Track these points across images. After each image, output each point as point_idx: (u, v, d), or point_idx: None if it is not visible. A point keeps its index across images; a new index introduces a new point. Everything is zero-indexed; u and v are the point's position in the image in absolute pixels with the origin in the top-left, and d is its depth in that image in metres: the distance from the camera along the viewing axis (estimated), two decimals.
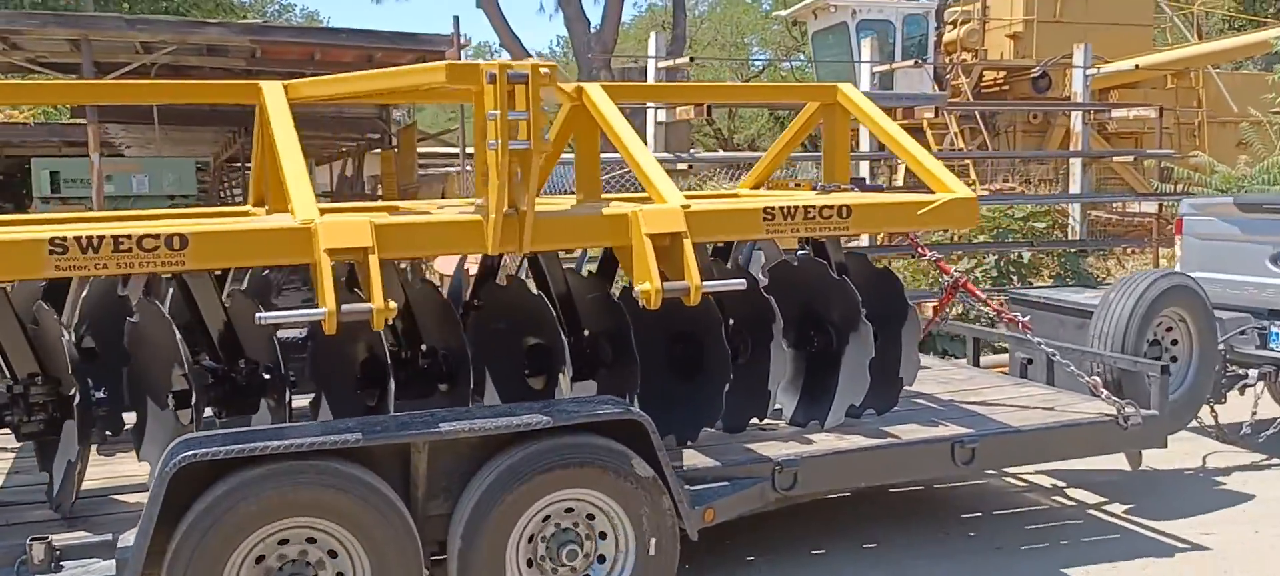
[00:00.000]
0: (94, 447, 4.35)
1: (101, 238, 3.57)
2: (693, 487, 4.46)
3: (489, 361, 4.92)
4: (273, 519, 3.77)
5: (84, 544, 3.82)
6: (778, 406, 5.33)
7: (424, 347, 4.86)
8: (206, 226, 3.78)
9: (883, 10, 19.61)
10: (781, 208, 4.50)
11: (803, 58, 29.91)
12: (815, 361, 5.28)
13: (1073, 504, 5.83)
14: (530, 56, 22.45)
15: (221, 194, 20.35)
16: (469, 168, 12.26)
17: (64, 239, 3.54)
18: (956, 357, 7.63)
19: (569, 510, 4.17)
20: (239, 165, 20.44)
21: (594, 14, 21.47)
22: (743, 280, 4.60)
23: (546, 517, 4.14)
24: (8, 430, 4.30)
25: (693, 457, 4.73)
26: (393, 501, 3.89)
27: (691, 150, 12.47)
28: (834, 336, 5.17)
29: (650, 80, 11.63)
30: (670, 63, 12.66)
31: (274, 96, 4.51)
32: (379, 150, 16.75)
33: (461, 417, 4.05)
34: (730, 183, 15.85)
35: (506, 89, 3.81)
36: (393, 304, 3.76)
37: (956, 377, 6.27)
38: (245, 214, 4.96)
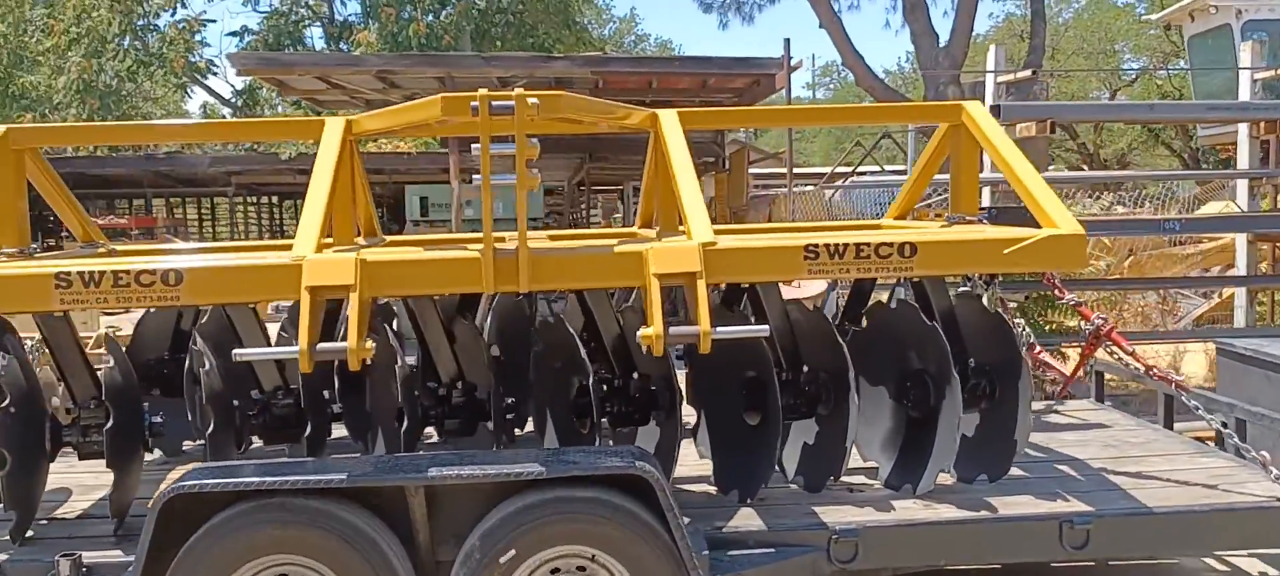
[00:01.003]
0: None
1: (102, 273, 3.74)
2: (732, 553, 4.06)
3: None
4: (261, 553, 3.79)
5: (111, 563, 4.01)
6: (874, 465, 4.78)
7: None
8: (206, 263, 3.87)
9: (1275, 9, 17.02)
10: (827, 245, 3.99)
11: (1184, 64, 27.11)
12: (913, 418, 4.67)
13: None
14: (880, 78, 22.04)
15: (573, 216, 21.80)
16: (797, 188, 12.27)
17: (68, 274, 3.74)
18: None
19: (581, 569, 3.90)
20: (586, 188, 21.84)
21: (944, 28, 20.28)
22: (767, 327, 4.12)
23: (555, 570, 3.90)
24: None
25: (746, 518, 4.31)
26: (378, 543, 3.80)
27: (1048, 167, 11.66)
28: (930, 390, 4.54)
29: (988, 98, 10.89)
30: (1012, 77, 11.90)
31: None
32: (714, 173, 17.11)
33: (452, 463, 3.89)
34: (1094, 201, 14.73)
35: (489, 120, 3.63)
36: (370, 345, 3.68)
37: (1129, 442, 5.35)
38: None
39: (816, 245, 4.00)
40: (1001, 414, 4.63)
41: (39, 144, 4.74)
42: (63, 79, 30.55)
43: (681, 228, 4.28)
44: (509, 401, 4.79)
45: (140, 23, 32.81)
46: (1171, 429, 5.62)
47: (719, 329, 3.79)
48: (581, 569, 3.88)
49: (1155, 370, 4.86)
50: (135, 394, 4.35)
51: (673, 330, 3.79)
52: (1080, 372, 5.29)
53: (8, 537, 4.15)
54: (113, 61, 31.61)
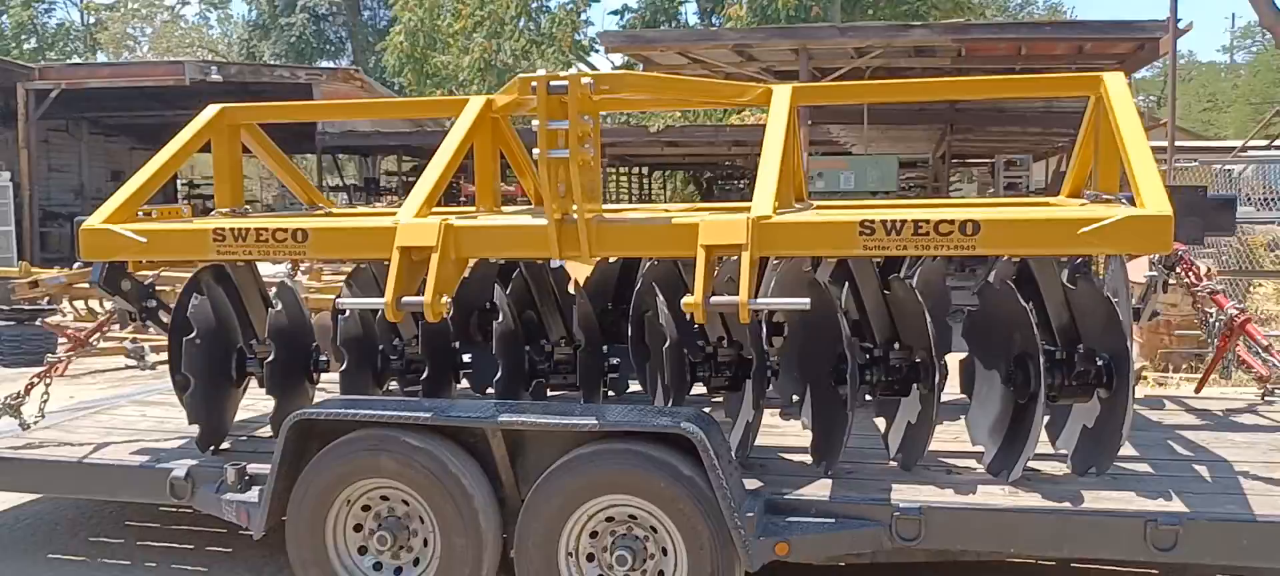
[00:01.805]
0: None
1: (248, 230, 4.46)
2: (791, 519, 4.17)
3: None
4: (360, 478, 4.38)
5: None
6: (980, 449, 4.65)
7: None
8: (327, 224, 4.50)
9: None
10: (883, 222, 3.97)
11: None
12: (1019, 404, 4.50)
13: None
14: None
15: (937, 187, 21.24)
16: (1185, 161, 11.61)
17: (222, 230, 4.49)
18: None
19: (632, 516, 4.18)
20: (947, 160, 21.74)
21: None
22: (807, 299, 4.12)
23: (610, 518, 4.20)
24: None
25: (821, 488, 4.38)
26: (460, 480, 4.25)
27: None
28: (1031, 374, 4.36)
29: None
30: None
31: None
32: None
33: (522, 411, 4.29)
34: None
35: (546, 100, 3.96)
36: (445, 300, 4.14)
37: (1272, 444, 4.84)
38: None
39: (872, 221, 3.99)
40: (1116, 405, 4.36)
41: (252, 120, 5.60)
42: (467, 59, 33.20)
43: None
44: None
45: (535, 5, 35.19)
46: None
47: (755, 301, 3.90)
48: (632, 517, 4.16)
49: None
50: (299, 334, 5.10)
51: (713, 299, 3.95)
52: (1217, 368, 4.78)
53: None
54: (510, 42, 34.28)
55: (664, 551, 4.15)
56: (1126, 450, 4.85)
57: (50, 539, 5.69)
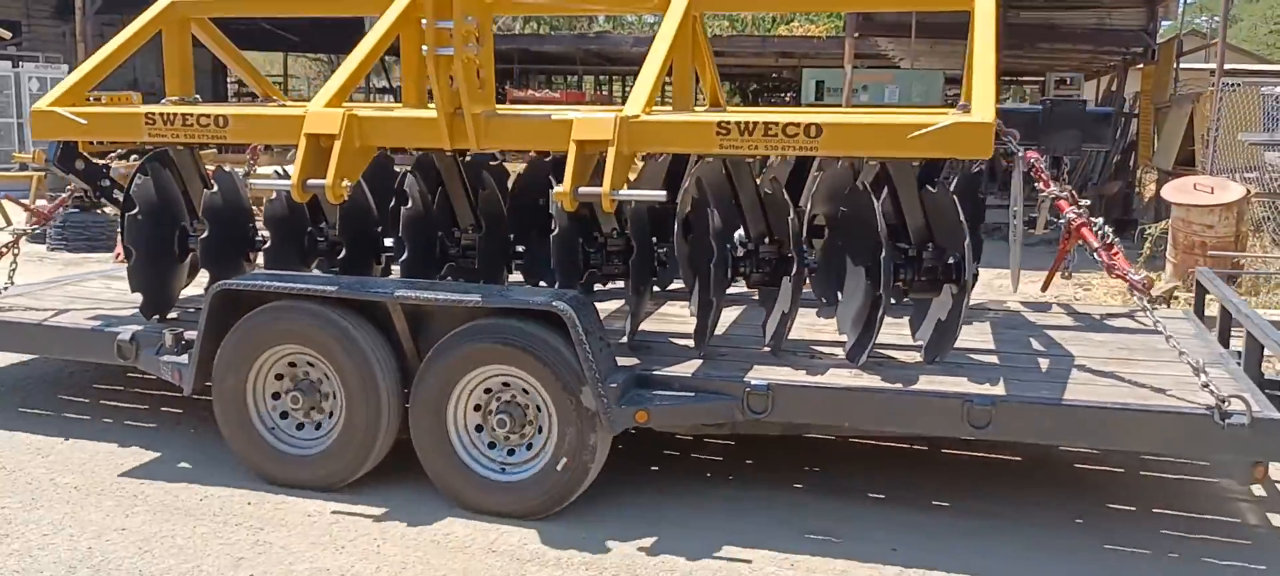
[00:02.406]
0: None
1: (175, 115, 4.90)
2: (656, 392, 4.62)
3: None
4: (278, 343, 4.87)
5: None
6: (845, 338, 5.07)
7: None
8: (241, 112, 4.92)
9: None
10: (738, 123, 4.36)
11: None
12: (876, 297, 4.90)
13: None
14: None
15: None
16: (1226, 83, 11.44)
17: (154, 114, 4.93)
18: None
19: (508, 385, 4.65)
20: (1008, 79, 21.38)
21: None
22: (664, 192, 4.52)
23: (489, 389, 4.68)
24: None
25: (691, 367, 4.82)
26: (359, 343, 4.73)
27: None
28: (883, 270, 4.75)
29: None
30: None
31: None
32: (1141, 66, 16.53)
33: (416, 288, 4.75)
34: None
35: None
36: (346, 183, 4.57)
37: (1129, 345, 5.22)
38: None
39: (728, 123, 4.38)
40: (960, 301, 4.75)
41: (201, 14, 6.00)
42: None
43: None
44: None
45: None
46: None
47: (617, 193, 4.31)
48: (508, 385, 4.64)
49: (1118, 269, 4.71)
50: (236, 216, 5.57)
51: (581, 189, 4.36)
52: (1059, 269, 5.13)
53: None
54: None
55: (539, 413, 4.63)
56: (984, 343, 5.28)
57: (24, 395, 6.27)
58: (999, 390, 4.41)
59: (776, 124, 4.32)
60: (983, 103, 4.21)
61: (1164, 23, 18.21)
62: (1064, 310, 6.20)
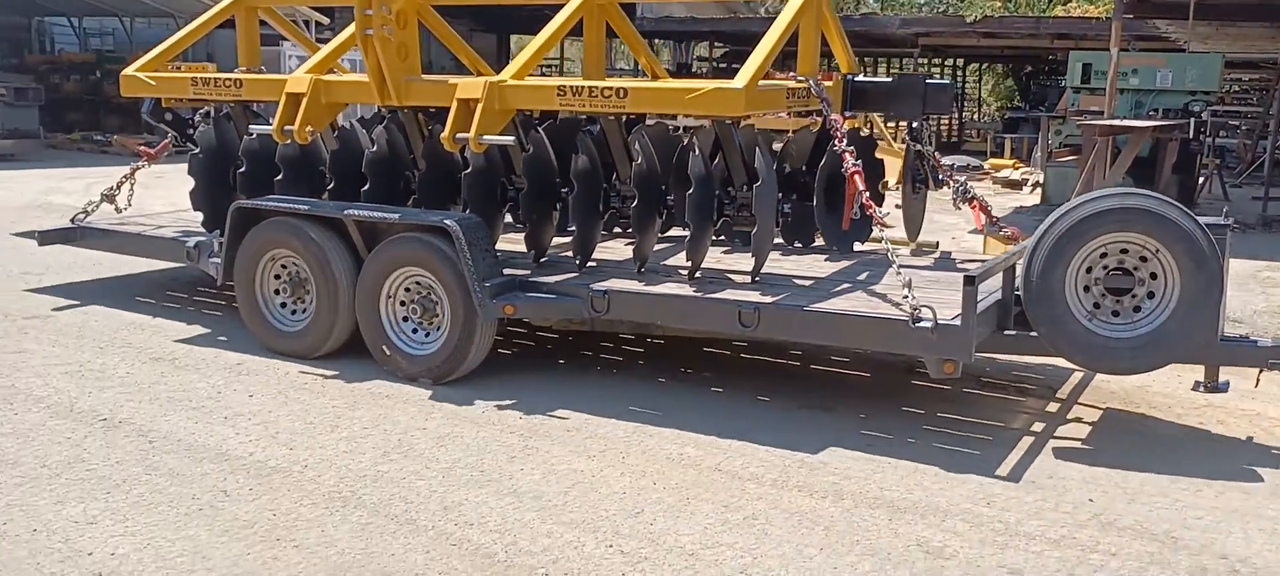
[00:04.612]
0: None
1: (582, 87, 6.74)
2: (527, 294, 6.08)
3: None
4: (273, 249, 6.64)
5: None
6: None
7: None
8: (261, 78, 6.71)
9: None
10: (572, 87, 5.77)
11: None
12: None
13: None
14: None
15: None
16: None
17: (198, 78, 6.79)
18: None
19: (420, 283, 6.23)
20: None
21: None
22: (512, 137, 5.94)
23: (408, 287, 6.27)
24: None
25: (556, 277, 6.24)
26: (324, 248, 6.42)
27: None
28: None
29: None
30: None
31: None
32: None
33: (360, 208, 6.40)
34: None
35: None
36: (309, 130, 6.27)
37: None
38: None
39: (565, 87, 5.79)
40: (760, 234, 5.95)
41: (265, 3, 7.86)
42: None
43: None
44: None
45: None
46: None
47: (486, 138, 5.81)
48: (420, 283, 6.21)
49: (869, 209, 5.78)
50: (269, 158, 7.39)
51: (459, 135, 5.88)
52: (853, 210, 6.10)
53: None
54: None
55: (439, 307, 6.19)
56: (793, 271, 6.39)
57: (144, 287, 8.38)
58: (762, 298, 5.63)
59: (598, 88, 5.70)
60: (744, 74, 5.44)
61: None
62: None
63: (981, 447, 5.28)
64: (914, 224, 7.26)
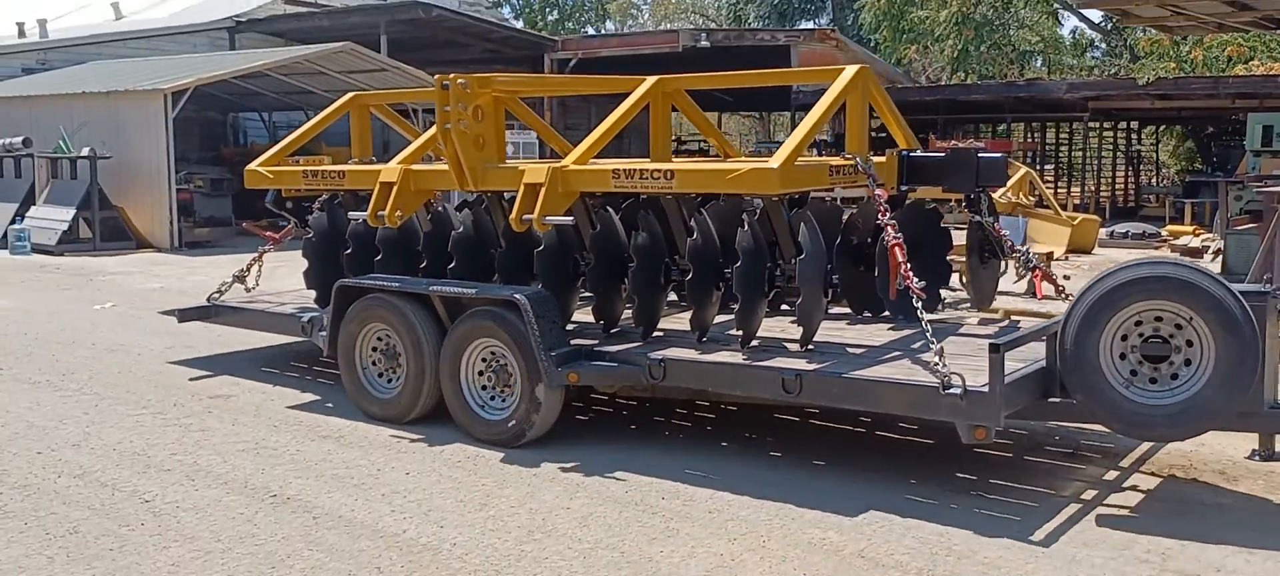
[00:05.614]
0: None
1: (634, 170, 7.48)
2: (592, 361, 6.49)
3: None
4: (369, 323, 7.27)
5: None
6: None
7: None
8: (363, 169, 7.40)
9: None
10: (624, 169, 6.21)
11: None
12: None
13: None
14: None
15: None
16: None
17: (307, 170, 7.54)
18: None
19: (494, 353, 6.72)
20: None
21: None
22: (571, 217, 6.37)
23: (485, 358, 6.77)
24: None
25: (619, 347, 6.63)
26: (412, 321, 7.00)
27: None
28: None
29: None
30: None
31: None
32: None
33: (443, 284, 6.96)
34: None
35: (440, 94, 6.59)
36: (399, 214, 6.90)
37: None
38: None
39: (620, 170, 6.24)
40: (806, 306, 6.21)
41: (375, 102, 8.62)
42: (944, 12, 33.17)
43: None
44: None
45: None
46: None
47: (548, 218, 6.29)
48: (494, 353, 6.70)
49: (909, 280, 5.91)
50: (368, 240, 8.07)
51: (524, 216, 6.38)
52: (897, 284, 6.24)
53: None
54: None
55: (512, 375, 6.65)
56: (852, 339, 6.60)
57: (270, 359, 9.17)
58: (806, 366, 5.88)
59: (648, 171, 6.12)
60: (779, 155, 5.77)
61: None
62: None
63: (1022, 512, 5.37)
64: (982, 293, 7.38)
